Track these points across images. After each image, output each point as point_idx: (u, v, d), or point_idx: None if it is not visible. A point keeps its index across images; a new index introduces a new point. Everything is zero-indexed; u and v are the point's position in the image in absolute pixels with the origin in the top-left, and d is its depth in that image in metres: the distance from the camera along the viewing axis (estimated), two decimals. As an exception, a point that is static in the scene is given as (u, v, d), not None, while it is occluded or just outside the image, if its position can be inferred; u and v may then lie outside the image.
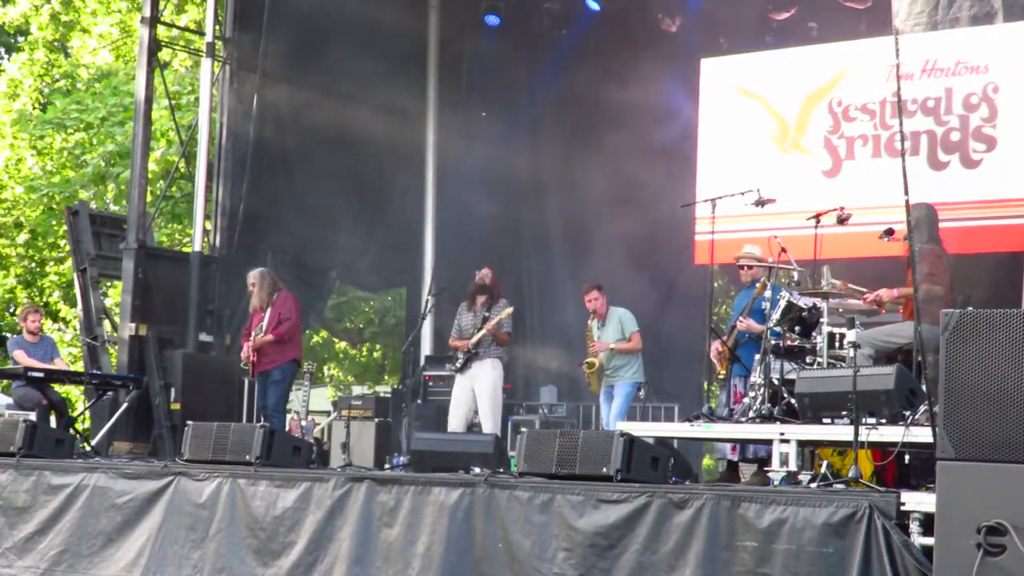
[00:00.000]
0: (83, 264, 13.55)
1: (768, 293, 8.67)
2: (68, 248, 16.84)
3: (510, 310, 10.66)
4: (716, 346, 9.47)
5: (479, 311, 10.80)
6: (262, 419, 10.90)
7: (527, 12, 14.49)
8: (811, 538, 5.75)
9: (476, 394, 10.70)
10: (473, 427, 10.86)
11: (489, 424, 10.57)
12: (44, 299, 21.75)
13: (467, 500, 6.94)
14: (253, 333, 10.93)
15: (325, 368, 23.04)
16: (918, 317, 7.05)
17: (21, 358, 11.80)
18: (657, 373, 12.15)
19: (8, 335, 22.92)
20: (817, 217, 8.79)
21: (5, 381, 16.29)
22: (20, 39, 23.77)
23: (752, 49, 12.97)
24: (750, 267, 9.64)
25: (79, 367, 15.05)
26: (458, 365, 10.78)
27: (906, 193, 6.31)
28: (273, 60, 13.48)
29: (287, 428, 11.12)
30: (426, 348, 14.24)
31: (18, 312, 12.86)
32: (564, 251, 14.69)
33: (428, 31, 15.09)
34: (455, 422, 10.80)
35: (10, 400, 13.02)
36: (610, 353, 10.74)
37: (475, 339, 10.63)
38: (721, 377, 9.57)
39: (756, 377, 8.46)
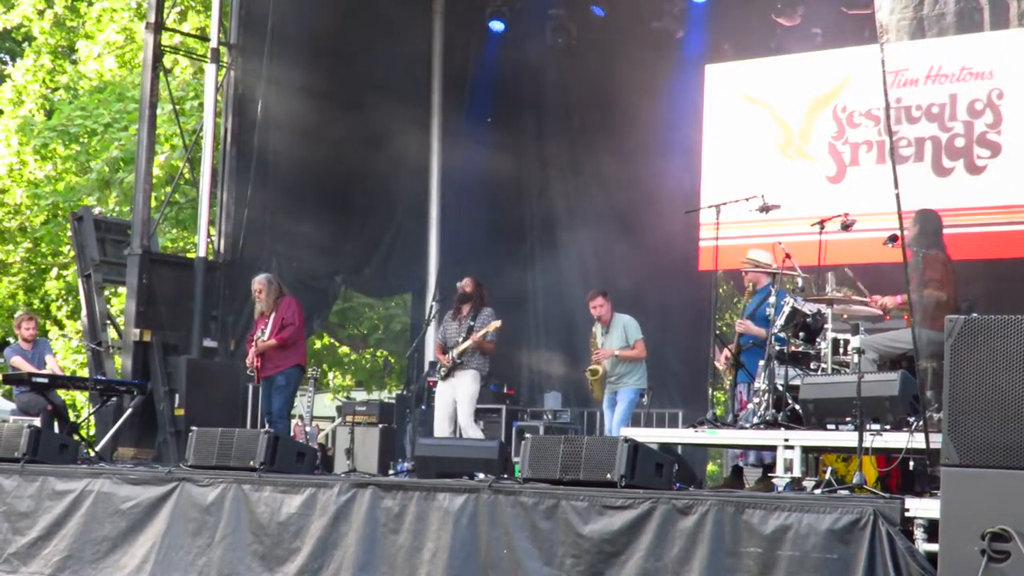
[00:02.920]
0: (87, 270, 13.56)
1: (772, 299, 8.68)
2: (72, 254, 16.87)
3: (497, 324, 10.67)
4: (724, 353, 9.46)
5: (464, 320, 10.84)
6: (266, 425, 10.91)
7: (532, 18, 14.49)
8: (815, 544, 5.75)
9: (456, 402, 10.77)
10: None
11: (468, 432, 10.64)
12: (45, 305, 21.76)
13: (471, 506, 6.95)
14: (256, 338, 10.94)
15: (329, 374, 23.03)
16: (915, 323, 7.05)
17: (20, 364, 11.85)
18: (661, 379, 12.14)
19: (10, 340, 23.03)
20: (821, 223, 8.79)
21: (8, 387, 16.31)
22: (25, 45, 23.78)
23: (756, 55, 12.99)
24: (746, 272, 9.65)
25: (84, 373, 15.06)
26: (442, 374, 10.86)
27: (896, 187, 6.34)
28: (278, 66, 13.49)
29: (291, 434, 11.11)
30: (430, 354, 14.19)
31: (14, 321, 12.89)
32: (568, 257, 14.68)
33: (433, 37, 15.09)
34: (441, 427, 10.85)
35: (13, 406, 13.05)
36: (614, 360, 10.74)
37: (458, 350, 10.67)
38: (728, 384, 9.56)
39: (760, 383, 8.46)
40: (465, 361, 10.71)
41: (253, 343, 11.02)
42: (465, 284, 11.00)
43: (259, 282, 11.13)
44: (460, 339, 10.75)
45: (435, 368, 11.13)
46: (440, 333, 11.09)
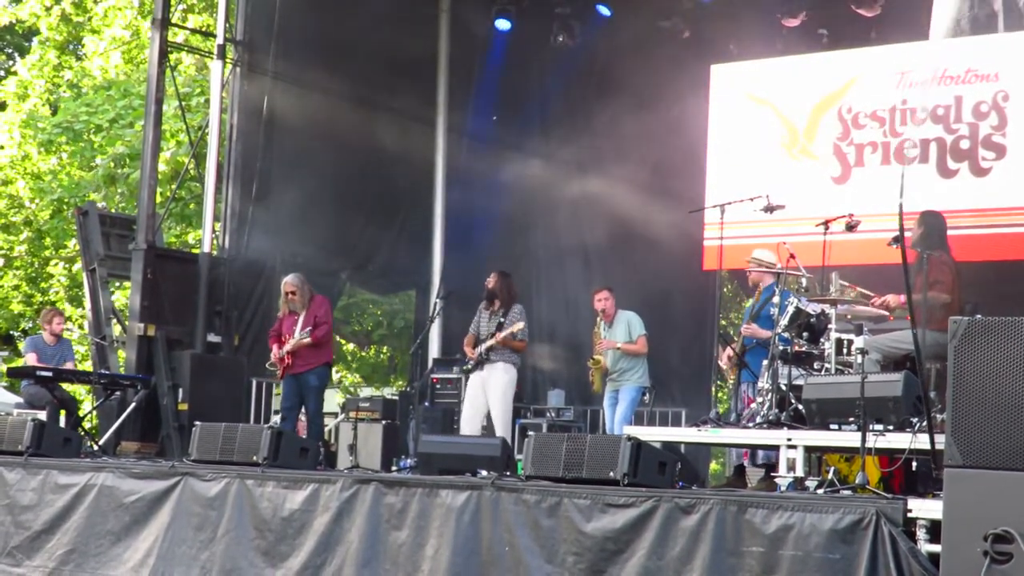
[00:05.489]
0: (92, 264, 13.60)
1: (776, 299, 8.68)
2: (77, 248, 16.91)
3: (521, 325, 10.60)
4: (727, 352, 9.47)
5: (495, 315, 10.80)
6: (273, 420, 10.93)
7: (538, 17, 14.51)
8: (818, 544, 5.75)
9: (488, 397, 10.70)
10: (484, 429, 10.87)
11: (499, 428, 10.58)
12: (47, 299, 21.82)
13: (474, 503, 6.95)
14: (296, 336, 10.84)
15: (334, 370, 23.05)
16: (919, 324, 7.06)
17: (31, 360, 11.89)
18: (665, 378, 12.16)
19: (14, 333, 23.06)
20: (826, 223, 8.80)
21: (16, 379, 16.35)
22: (32, 42, 23.82)
23: (762, 56, 12.99)
24: (750, 272, 9.66)
25: (87, 367, 15.09)
26: (469, 366, 10.80)
27: (901, 196, 6.37)
28: (284, 62, 13.51)
29: (295, 429, 11.14)
30: (434, 351, 14.26)
31: (41, 315, 12.93)
32: (572, 255, 14.70)
33: (439, 35, 15.12)
34: (467, 425, 10.79)
35: (19, 399, 13.09)
36: (616, 355, 10.73)
37: (485, 346, 10.62)
38: (731, 383, 9.58)
39: (764, 383, 8.47)
40: (494, 356, 10.66)
41: (281, 340, 10.99)
42: (489, 280, 10.95)
43: (291, 284, 11.04)
44: (489, 334, 10.71)
45: (463, 361, 11.05)
46: (474, 323, 10.96)
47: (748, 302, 10.25)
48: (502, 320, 10.67)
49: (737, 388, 9.47)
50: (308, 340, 10.80)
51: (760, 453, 9.14)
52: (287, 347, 10.87)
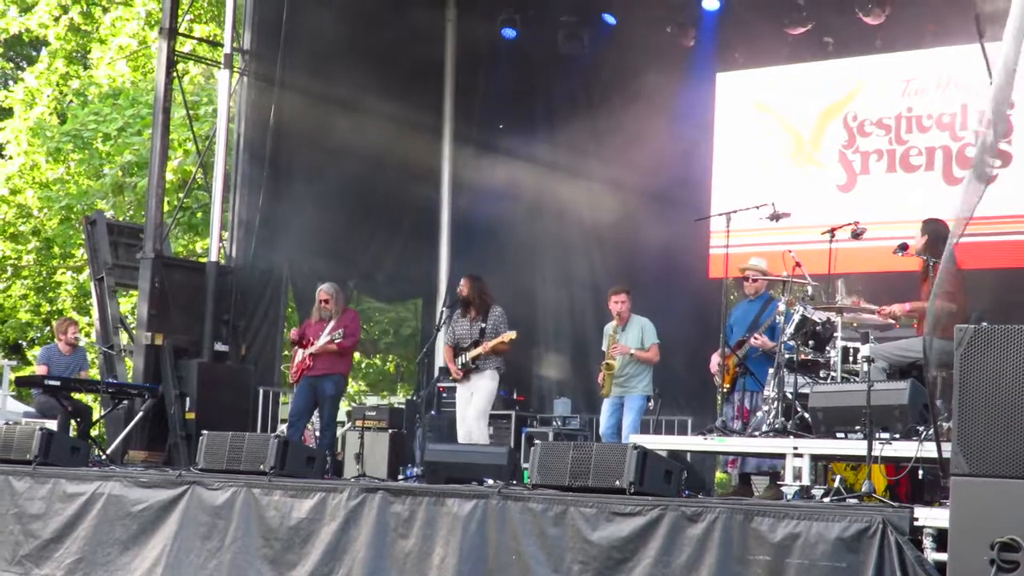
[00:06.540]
0: (100, 273, 13.63)
1: (782, 307, 8.68)
2: (85, 257, 16.94)
3: (512, 335, 10.56)
4: (715, 358, 9.43)
5: (474, 321, 10.76)
6: (280, 428, 10.97)
7: (544, 25, 14.53)
8: (824, 552, 5.75)
9: (472, 400, 10.68)
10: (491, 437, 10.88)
11: (476, 426, 10.55)
12: (55, 308, 21.86)
13: (480, 512, 6.96)
14: (324, 338, 10.92)
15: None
16: (926, 332, 7.06)
17: (41, 371, 11.93)
18: (670, 386, 12.13)
19: (22, 343, 23.10)
20: (832, 231, 8.80)
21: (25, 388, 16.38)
22: (41, 51, 23.88)
23: (768, 64, 13.01)
24: (755, 280, 9.66)
25: (95, 375, 15.12)
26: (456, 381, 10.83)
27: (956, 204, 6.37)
28: (291, 71, 13.54)
29: (302, 438, 11.17)
30: (440, 359, 14.23)
31: (56, 324, 12.98)
32: (579, 263, 14.70)
33: (445, 44, 15.15)
34: (462, 431, 10.80)
35: (30, 408, 13.12)
36: (623, 359, 10.67)
37: (472, 355, 10.61)
38: (725, 391, 9.53)
39: (770, 391, 8.47)
40: (480, 364, 10.65)
41: (304, 344, 11.07)
42: (462, 287, 10.93)
43: (327, 291, 11.21)
44: (471, 341, 10.69)
45: (447, 374, 11.08)
46: (450, 333, 10.92)
47: (734, 308, 10.18)
48: (483, 326, 10.65)
49: (731, 395, 9.43)
50: (335, 346, 10.91)
51: (751, 461, 9.13)
52: (312, 348, 10.98)
